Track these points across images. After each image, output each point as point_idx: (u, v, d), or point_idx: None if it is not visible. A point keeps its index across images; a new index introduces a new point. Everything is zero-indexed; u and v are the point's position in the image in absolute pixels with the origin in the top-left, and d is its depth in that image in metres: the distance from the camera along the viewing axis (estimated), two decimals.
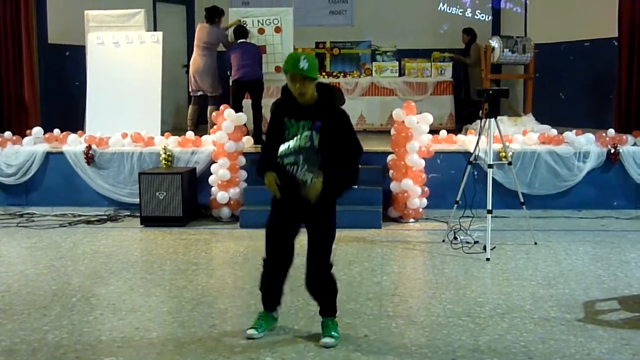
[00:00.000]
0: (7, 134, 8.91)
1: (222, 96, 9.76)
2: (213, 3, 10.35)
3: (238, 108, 8.94)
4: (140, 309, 4.93)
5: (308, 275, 4.21)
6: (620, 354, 4.03)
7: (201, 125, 9.93)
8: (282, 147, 4.01)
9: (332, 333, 4.19)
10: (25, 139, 8.74)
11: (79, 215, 8.21)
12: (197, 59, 9.74)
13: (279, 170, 4.06)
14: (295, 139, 4.00)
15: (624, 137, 8.21)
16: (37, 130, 8.89)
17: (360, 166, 7.88)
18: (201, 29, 9.82)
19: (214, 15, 9.87)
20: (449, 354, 4.05)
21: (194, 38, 9.95)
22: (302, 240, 4.27)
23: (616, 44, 9.07)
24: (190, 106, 9.93)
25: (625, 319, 4.65)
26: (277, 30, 9.99)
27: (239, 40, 9.51)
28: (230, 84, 9.50)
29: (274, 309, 4.43)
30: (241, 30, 9.55)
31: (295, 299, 5.03)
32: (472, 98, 11.04)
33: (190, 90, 9.94)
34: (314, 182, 3.96)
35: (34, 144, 8.70)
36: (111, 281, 5.64)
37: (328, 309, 4.30)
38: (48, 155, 8.53)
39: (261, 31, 10.01)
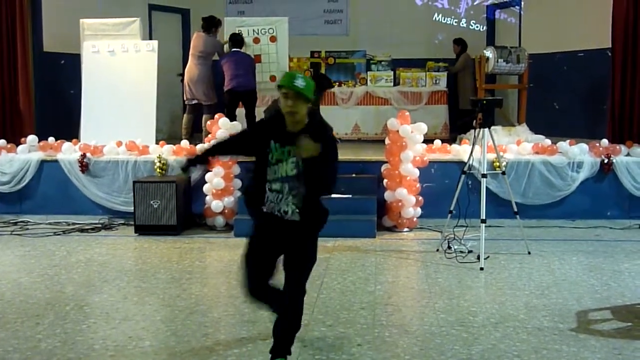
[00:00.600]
0: (2, 141, 8.89)
1: (217, 105, 9.79)
2: (209, 12, 10.36)
3: (232, 117, 8.98)
4: (133, 317, 4.93)
5: (279, 312, 4.00)
6: None
7: (196, 134, 9.96)
8: (270, 174, 3.85)
9: None
10: (20, 147, 8.74)
11: (73, 224, 8.20)
12: (192, 68, 9.78)
13: (261, 199, 3.91)
14: (280, 164, 3.83)
15: (618, 147, 8.25)
16: (32, 138, 8.90)
17: (354, 175, 8.00)
18: (197, 38, 9.87)
19: (211, 25, 9.92)
20: None
21: (190, 47, 9.98)
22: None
23: (610, 54, 9.12)
24: (185, 115, 9.98)
25: (617, 329, 4.67)
26: (273, 39, 10.01)
27: (233, 50, 9.55)
28: (224, 93, 9.53)
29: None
30: (238, 40, 9.58)
31: None
32: (461, 107, 11.08)
33: (185, 98, 9.99)
34: (295, 215, 3.83)
35: (29, 152, 8.70)
36: (105, 290, 5.63)
37: (283, 345, 3.93)
38: (42, 163, 8.53)
39: (256, 40, 10.04)
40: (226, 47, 9.88)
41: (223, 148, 4.33)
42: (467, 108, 10.55)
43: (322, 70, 11.90)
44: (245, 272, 4.03)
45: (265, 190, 3.89)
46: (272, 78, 9.97)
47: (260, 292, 4.05)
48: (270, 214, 3.89)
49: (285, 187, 3.83)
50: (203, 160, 4.24)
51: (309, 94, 3.78)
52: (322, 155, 3.71)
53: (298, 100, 3.76)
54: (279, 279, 4.05)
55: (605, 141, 8.41)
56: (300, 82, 3.74)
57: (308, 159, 3.70)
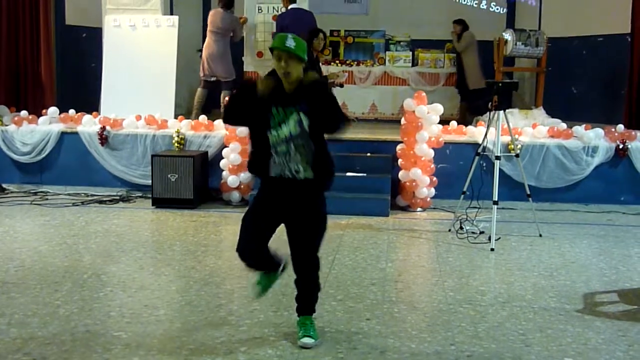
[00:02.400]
0: (23, 113, 9.02)
1: (235, 81, 9.84)
2: None
3: None
4: (149, 287, 5.04)
5: (298, 280, 4.08)
6: (616, 345, 4.10)
7: (215, 110, 10.03)
8: (274, 137, 3.83)
9: (311, 332, 4.02)
10: (41, 119, 8.85)
11: (92, 195, 8.33)
12: (211, 44, 9.82)
13: (267, 165, 3.90)
14: (283, 125, 3.81)
15: (633, 133, 8.23)
16: (53, 110, 9.01)
17: (369, 154, 8.04)
18: (215, 14, 9.90)
19: (231, 1, 9.95)
20: (448, 339, 4.13)
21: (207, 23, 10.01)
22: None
23: (629, 39, 9.07)
24: (200, 89, 9.98)
25: (623, 311, 4.72)
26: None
27: (291, 7, 9.25)
28: None
29: (275, 269, 4.21)
30: None
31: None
32: (472, 88, 10.95)
33: (202, 74, 10.00)
34: (307, 173, 3.86)
35: (50, 124, 8.82)
36: (122, 260, 5.75)
37: (307, 306, 4.11)
38: (63, 135, 8.65)
39: (275, 18, 10.07)
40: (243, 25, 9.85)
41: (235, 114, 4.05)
42: (478, 88, 10.54)
43: (341, 50, 11.92)
44: (241, 231, 4.02)
45: (270, 155, 3.88)
46: None
47: (253, 254, 4.06)
48: (280, 178, 3.90)
49: (291, 146, 3.83)
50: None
51: (301, 53, 3.78)
52: (325, 102, 3.78)
53: (291, 60, 3.76)
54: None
55: (621, 126, 8.39)
56: (291, 43, 3.75)
57: (313, 113, 3.77)
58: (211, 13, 9.99)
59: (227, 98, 4.11)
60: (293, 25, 8.87)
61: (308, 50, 7.66)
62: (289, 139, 3.82)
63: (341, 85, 9.26)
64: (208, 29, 9.91)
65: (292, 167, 3.87)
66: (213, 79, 9.88)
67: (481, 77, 10.71)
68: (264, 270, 4.19)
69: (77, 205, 7.89)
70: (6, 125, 8.81)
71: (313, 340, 4.00)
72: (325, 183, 4.00)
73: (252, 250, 4.04)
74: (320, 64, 9.15)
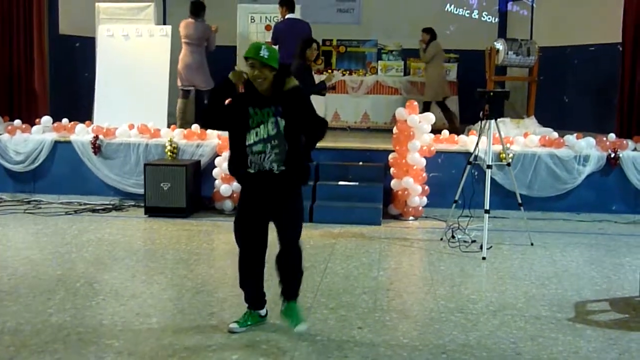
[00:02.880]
0: (17, 122, 9.02)
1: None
2: (223, 0, 10.39)
3: None
4: (141, 295, 5.04)
5: (279, 254, 4.28)
6: (607, 353, 4.12)
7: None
8: (251, 137, 4.07)
9: (301, 317, 4.26)
10: (35, 128, 8.84)
11: (85, 204, 8.31)
12: (186, 55, 9.72)
13: (246, 164, 4.13)
14: (261, 126, 4.07)
15: (625, 142, 8.27)
16: (46, 119, 9.00)
17: (361, 163, 8.08)
18: (187, 25, 9.75)
19: (200, 9, 9.84)
20: (439, 348, 4.15)
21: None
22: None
23: (620, 49, 9.12)
24: (180, 100, 9.87)
25: (614, 320, 4.74)
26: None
27: (287, 16, 9.27)
28: None
29: (259, 307, 4.44)
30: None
31: None
32: (424, 100, 10.75)
33: (179, 84, 9.85)
34: (281, 168, 4.10)
35: (43, 133, 8.80)
36: (114, 268, 5.75)
37: (294, 291, 4.34)
38: (56, 144, 8.64)
39: (268, 27, 10.12)
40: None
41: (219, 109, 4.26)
42: (430, 101, 10.54)
43: (333, 59, 11.97)
44: (239, 238, 4.32)
45: (247, 155, 4.11)
46: None
47: (253, 272, 4.35)
48: (258, 172, 4.13)
49: (267, 146, 4.08)
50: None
51: (273, 62, 4.04)
52: (301, 108, 4.09)
53: (264, 68, 4.03)
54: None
55: (612, 135, 8.43)
56: (264, 52, 4.01)
57: (289, 116, 4.06)
58: (182, 24, 9.81)
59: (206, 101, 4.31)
60: (289, 34, 8.97)
61: (302, 59, 7.78)
62: (266, 140, 4.07)
63: (333, 87, 9.31)
64: (183, 40, 9.76)
65: (266, 165, 4.10)
66: (190, 88, 9.83)
67: (438, 90, 10.68)
68: (252, 294, 4.41)
69: (70, 214, 7.87)
70: None
71: (306, 325, 4.23)
72: (300, 177, 4.25)
73: (257, 253, 4.29)
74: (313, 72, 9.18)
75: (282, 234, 4.24)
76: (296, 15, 9.42)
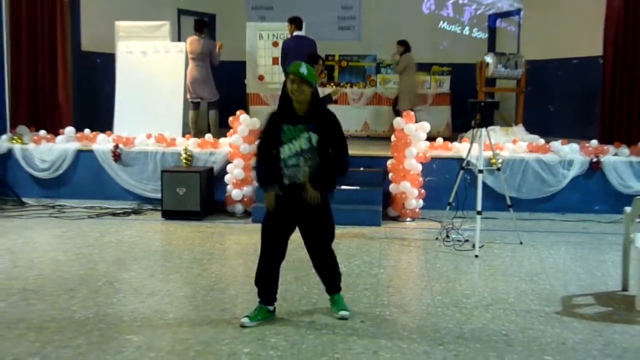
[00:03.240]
0: (42, 132, 9.02)
1: (220, 101, 9.82)
2: (233, 17, 10.43)
3: None
4: (159, 293, 5.02)
5: (316, 264, 4.48)
6: (592, 344, 4.09)
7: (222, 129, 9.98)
8: (285, 151, 4.19)
9: (344, 306, 4.46)
10: (59, 138, 8.85)
11: (106, 208, 8.29)
12: (194, 70, 9.68)
13: (280, 176, 4.24)
14: (294, 141, 4.19)
15: (606, 147, 8.26)
16: (70, 130, 9.01)
17: (362, 169, 8.05)
18: (193, 42, 9.70)
19: (203, 26, 9.85)
20: (436, 340, 4.12)
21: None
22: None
23: (601, 62, 9.11)
24: (191, 111, 9.83)
25: (599, 313, 4.71)
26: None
27: (295, 33, 9.28)
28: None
29: (270, 304, 4.45)
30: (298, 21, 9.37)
31: (299, 287, 5.13)
32: (397, 108, 10.51)
33: (188, 97, 9.81)
34: (310, 191, 4.18)
35: (67, 142, 8.81)
36: (133, 268, 5.73)
37: (334, 286, 4.54)
38: (79, 152, 8.64)
39: (275, 44, 10.11)
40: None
41: (267, 155, 4.36)
42: (403, 109, 10.44)
43: (336, 73, 11.97)
44: (265, 239, 4.37)
45: (281, 168, 4.23)
46: None
47: (270, 272, 4.39)
48: (291, 184, 4.24)
49: (300, 160, 4.20)
50: (270, 181, 4.36)
51: (311, 79, 4.19)
52: (330, 130, 4.24)
53: (302, 84, 4.16)
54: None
55: (594, 142, 8.42)
56: (304, 70, 4.18)
57: (321, 133, 4.18)
58: (188, 41, 9.78)
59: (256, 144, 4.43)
60: (296, 50, 8.98)
61: None
62: (299, 153, 4.19)
63: (335, 101, 9.35)
64: (189, 56, 9.71)
65: (300, 177, 4.21)
66: (198, 100, 9.80)
67: (413, 100, 10.62)
68: (265, 291, 4.42)
69: (92, 217, 7.86)
70: (26, 144, 8.81)
71: (348, 312, 4.42)
72: (327, 187, 4.33)
73: (278, 251, 4.37)
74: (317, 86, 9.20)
75: (315, 239, 4.41)
76: (302, 32, 9.41)
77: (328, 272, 4.53)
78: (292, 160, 4.19)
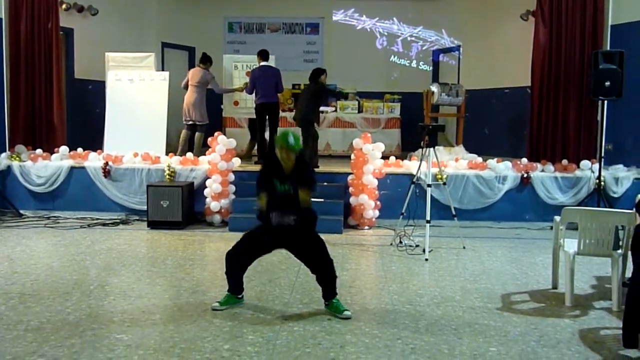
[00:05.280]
0: (38, 151, 8.76)
1: (209, 125, 9.72)
2: (211, 50, 10.34)
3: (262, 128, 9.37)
4: (146, 295, 4.88)
5: (319, 278, 4.50)
6: (530, 336, 4.10)
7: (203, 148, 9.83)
8: (275, 198, 4.39)
9: (344, 307, 4.43)
10: (54, 156, 8.61)
11: (97, 219, 8.07)
12: (191, 95, 9.58)
13: (268, 217, 4.41)
14: (282, 192, 4.38)
15: (534, 164, 8.36)
16: (64, 149, 8.78)
17: (325, 183, 8.00)
18: (196, 71, 9.67)
19: (207, 60, 9.84)
20: (395, 335, 4.07)
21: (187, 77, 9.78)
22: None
23: (529, 91, 9.24)
24: (184, 131, 9.71)
25: (534, 309, 4.73)
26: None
27: (262, 63, 9.40)
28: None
29: (238, 294, 4.58)
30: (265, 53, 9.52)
31: (273, 288, 5.04)
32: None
33: (184, 119, 9.70)
34: (293, 220, 4.38)
35: (61, 160, 8.56)
36: (122, 273, 5.56)
37: (332, 291, 4.49)
38: (72, 169, 8.40)
39: (248, 73, 10.02)
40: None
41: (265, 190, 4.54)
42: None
43: None
44: (241, 244, 4.47)
45: (271, 207, 4.41)
46: None
47: (239, 269, 4.52)
48: (278, 225, 4.40)
49: (286, 204, 4.36)
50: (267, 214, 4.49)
51: (297, 147, 4.33)
52: (304, 175, 4.45)
53: (290, 152, 4.32)
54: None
55: (524, 160, 8.51)
56: (292, 141, 4.30)
57: (298, 184, 4.38)
58: (193, 71, 9.77)
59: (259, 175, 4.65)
60: (263, 78, 9.15)
61: (315, 82, 8.80)
62: (285, 199, 4.37)
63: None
64: (190, 83, 9.65)
65: (285, 220, 4.38)
66: (190, 122, 9.69)
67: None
68: (234, 283, 4.56)
69: (84, 227, 7.64)
70: (24, 161, 8.54)
71: (349, 312, 4.39)
72: (310, 224, 4.53)
73: (243, 261, 4.50)
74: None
75: (312, 256, 4.48)
76: (269, 63, 9.41)
77: (327, 279, 4.49)
78: (280, 201, 4.36)
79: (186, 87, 9.72)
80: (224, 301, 4.52)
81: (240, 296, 4.59)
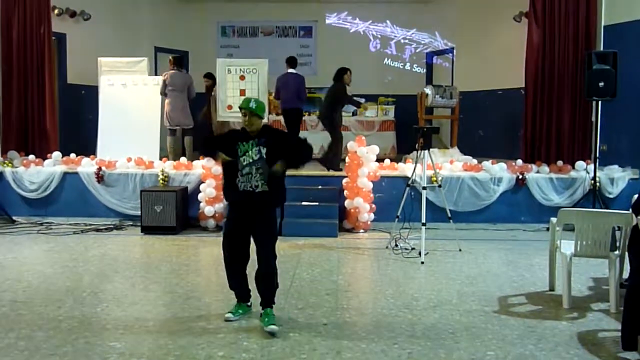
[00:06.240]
0: (31, 157, 8.69)
1: (194, 128, 9.66)
2: (204, 55, 10.32)
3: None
4: (140, 302, 4.81)
5: (257, 272, 4.28)
6: (528, 339, 4.06)
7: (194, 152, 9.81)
8: (241, 162, 4.20)
9: (274, 321, 4.17)
10: (46, 161, 8.53)
11: (90, 225, 7.99)
12: (175, 100, 9.47)
13: (236, 185, 4.23)
14: (247, 154, 4.21)
15: (529, 166, 8.33)
16: (56, 154, 8.70)
17: (320, 187, 7.96)
18: (174, 76, 9.49)
19: (182, 62, 9.83)
20: (391, 339, 4.03)
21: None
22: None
23: (523, 92, 9.22)
24: (170, 137, 9.61)
25: (531, 311, 4.69)
26: (242, 78, 9.95)
27: (289, 70, 9.61)
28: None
29: (246, 301, 4.47)
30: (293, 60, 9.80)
31: None
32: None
33: (167, 124, 9.57)
34: (264, 187, 4.19)
35: (54, 165, 8.48)
36: (116, 279, 5.50)
37: (269, 300, 4.27)
38: (65, 174, 8.33)
39: (242, 78, 9.95)
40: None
41: (212, 143, 4.50)
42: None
43: None
44: (225, 248, 4.34)
45: (237, 177, 4.22)
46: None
47: (238, 274, 4.40)
48: (244, 190, 4.21)
49: (252, 168, 4.20)
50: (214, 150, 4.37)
51: (260, 112, 4.24)
52: (282, 139, 4.35)
53: (252, 117, 4.22)
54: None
55: (519, 161, 8.49)
56: (252, 104, 4.22)
57: (270, 148, 4.21)
58: (169, 75, 9.49)
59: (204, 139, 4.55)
60: (287, 85, 9.54)
61: (339, 81, 8.97)
62: (251, 163, 4.20)
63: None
64: (169, 88, 9.44)
65: (252, 183, 4.20)
66: (176, 127, 9.61)
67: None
68: (239, 291, 4.45)
69: (77, 233, 7.57)
70: (16, 167, 8.46)
71: (277, 327, 4.11)
72: (277, 197, 4.33)
73: (239, 255, 4.33)
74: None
75: (259, 251, 4.25)
76: (294, 70, 9.82)
77: (265, 284, 4.26)
78: (245, 169, 4.20)
79: (164, 92, 9.56)
80: (235, 310, 4.40)
81: (249, 304, 4.47)
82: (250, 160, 4.20)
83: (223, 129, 9.17)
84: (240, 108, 4.26)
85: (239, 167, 4.22)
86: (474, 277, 5.65)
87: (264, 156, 4.21)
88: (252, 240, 4.31)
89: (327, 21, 13.37)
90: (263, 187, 4.20)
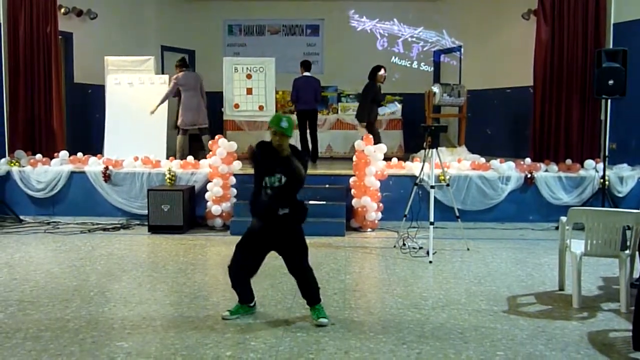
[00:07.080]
0: (38, 156, 8.72)
1: (210, 127, 9.67)
2: (211, 53, 10.32)
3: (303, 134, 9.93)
4: (147, 301, 4.81)
5: (299, 285, 4.34)
6: (537, 339, 4.02)
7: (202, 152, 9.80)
8: (266, 183, 4.17)
9: (323, 314, 4.26)
10: (53, 161, 8.56)
11: (97, 224, 8.01)
12: (189, 100, 9.46)
13: (262, 205, 4.19)
14: (274, 178, 4.14)
15: (538, 165, 8.29)
16: (63, 154, 8.72)
17: (327, 186, 7.96)
18: (185, 76, 9.49)
19: (187, 62, 9.88)
20: (400, 339, 4.00)
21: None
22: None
23: (532, 91, 9.18)
24: (181, 137, 9.59)
25: (540, 311, 4.65)
26: (249, 77, 9.98)
27: (304, 74, 9.96)
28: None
29: (249, 302, 4.44)
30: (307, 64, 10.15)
31: (275, 293, 4.97)
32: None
33: (181, 124, 9.53)
34: (284, 211, 4.15)
35: (61, 165, 8.51)
36: (123, 278, 5.49)
37: (313, 298, 4.34)
38: (72, 174, 8.35)
39: (249, 76, 9.97)
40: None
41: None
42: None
43: None
44: (237, 257, 4.30)
45: (262, 194, 4.19)
46: (260, 107, 9.90)
47: (243, 278, 4.35)
48: (269, 207, 4.16)
49: (275, 192, 4.14)
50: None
51: (289, 132, 4.12)
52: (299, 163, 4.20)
53: (283, 137, 4.10)
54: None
55: (528, 160, 8.45)
56: (284, 124, 4.08)
57: (290, 172, 4.12)
58: (181, 75, 9.47)
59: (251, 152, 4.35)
60: (304, 87, 9.89)
61: (373, 80, 9.18)
62: (274, 188, 4.14)
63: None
64: (183, 88, 9.44)
65: (276, 204, 4.14)
66: (192, 126, 9.60)
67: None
68: (242, 294, 4.41)
69: (84, 232, 7.58)
70: (23, 167, 8.49)
71: (327, 320, 4.22)
72: (298, 217, 4.24)
73: (244, 274, 4.33)
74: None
75: (292, 260, 4.29)
76: (309, 73, 10.08)
77: (305, 285, 4.35)
78: (269, 191, 4.16)
79: (176, 93, 9.54)
80: (235, 310, 4.38)
81: (252, 304, 4.44)
82: (274, 185, 4.15)
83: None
84: (270, 127, 4.14)
85: (264, 185, 4.18)
86: (482, 276, 5.62)
87: (284, 183, 4.15)
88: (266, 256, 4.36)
89: (334, 20, 13.31)
90: (284, 210, 4.16)
